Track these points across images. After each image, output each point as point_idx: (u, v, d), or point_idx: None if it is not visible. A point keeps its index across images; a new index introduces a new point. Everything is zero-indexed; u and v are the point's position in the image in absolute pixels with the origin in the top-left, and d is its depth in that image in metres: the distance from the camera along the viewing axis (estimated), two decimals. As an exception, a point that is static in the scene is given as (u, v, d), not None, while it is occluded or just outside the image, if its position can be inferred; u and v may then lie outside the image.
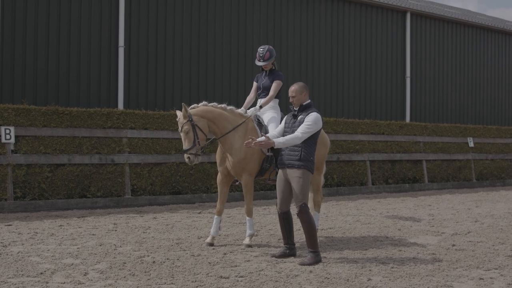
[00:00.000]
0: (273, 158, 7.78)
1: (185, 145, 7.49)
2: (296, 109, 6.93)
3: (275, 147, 6.83)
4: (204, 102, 7.87)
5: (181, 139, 12.93)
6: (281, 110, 8.38)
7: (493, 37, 23.84)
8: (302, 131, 6.66)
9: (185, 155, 7.49)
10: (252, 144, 6.70)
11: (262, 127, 7.95)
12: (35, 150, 11.26)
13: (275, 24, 17.44)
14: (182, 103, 7.61)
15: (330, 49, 18.76)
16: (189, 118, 7.48)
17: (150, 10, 15.07)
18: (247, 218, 7.82)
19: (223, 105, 7.89)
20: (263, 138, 6.77)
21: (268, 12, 17.27)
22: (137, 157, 12.34)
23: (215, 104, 7.88)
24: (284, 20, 17.63)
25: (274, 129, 7.77)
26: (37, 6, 13.48)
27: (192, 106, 7.78)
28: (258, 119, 8.05)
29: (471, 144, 18.93)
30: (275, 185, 13.99)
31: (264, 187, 14.08)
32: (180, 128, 7.55)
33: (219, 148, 7.93)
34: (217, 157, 7.99)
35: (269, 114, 8.11)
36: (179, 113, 7.59)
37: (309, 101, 6.96)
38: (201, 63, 15.89)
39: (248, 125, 7.88)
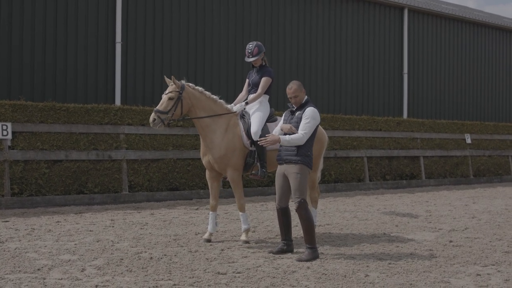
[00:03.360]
0: (255, 153, 7.79)
1: (160, 107, 7.48)
2: (295, 108, 6.93)
3: (280, 144, 6.81)
4: (201, 89, 7.87)
5: (178, 135, 13.05)
6: (271, 106, 8.37)
7: (491, 33, 23.85)
8: (303, 131, 6.67)
9: (153, 114, 7.42)
10: (262, 142, 6.76)
11: (245, 123, 7.92)
12: (32, 146, 11.23)
13: (273, 21, 17.42)
14: (184, 77, 7.63)
15: (327, 45, 18.74)
16: (181, 90, 7.54)
17: (147, 5, 15.04)
18: (240, 213, 7.85)
19: (214, 97, 7.95)
20: (270, 136, 6.81)
21: (265, 9, 17.24)
22: (135, 153, 12.33)
23: (209, 94, 7.92)
24: (281, 16, 17.60)
25: (257, 124, 7.77)
26: (34, 2, 13.44)
27: (190, 84, 7.82)
28: (243, 115, 8.02)
29: (469, 141, 18.96)
30: (271, 181, 14.04)
31: (261, 183, 14.08)
32: (166, 91, 7.58)
33: (201, 143, 7.93)
34: (201, 151, 8.01)
35: (255, 108, 8.06)
36: (175, 81, 7.61)
37: (306, 98, 6.96)
38: (198, 59, 15.86)
39: (230, 120, 7.87)
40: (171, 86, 7.59)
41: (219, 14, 16.28)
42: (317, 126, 6.89)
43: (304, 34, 18.14)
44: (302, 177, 6.71)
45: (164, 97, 7.55)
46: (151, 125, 7.46)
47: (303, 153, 6.72)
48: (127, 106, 12.78)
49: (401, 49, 20.65)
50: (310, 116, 6.72)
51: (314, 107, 6.84)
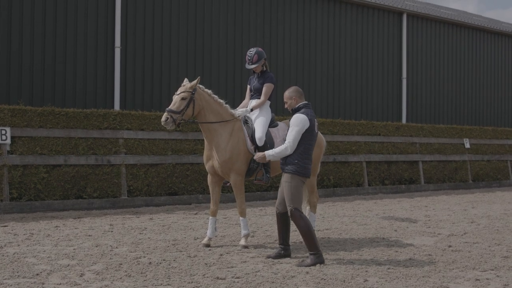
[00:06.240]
0: None
1: (173, 106, 7.52)
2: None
3: (266, 160, 6.91)
4: (210, 91, 7.95)
5: (177, 139, 13.05)
6: (272, 111, 8.41)
7: (489, 38, 23.90)
8: (288, 140, 6.71)
9: (166, 114, 7.46)
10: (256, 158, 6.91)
11: (249, 128, 7.96)
12: (31, 151, 11.23)
13: (272, 26, 17.45)
14: (199, 77, 7.75)
15: (326, 50, 18.77)
16: (193, 91, 7.60)
17: (146, 10, 15.06)
18: (241, 218, 7.86)
19: (221, 101, 8.01)
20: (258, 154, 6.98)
21: (264, 13, 17.28)
22: (134, 158, 12.32)
23: (216, 97, 7.99)
24: (280, 21, 17.63)
25: (260, 129, 7.82)
26: (33, 7, 13.46)
27: (201, 86, 7.88)
28: (246, 120, 8.06)
29: (467, 145, 18.97)
30: (270, 186, 14.03)
31: (260, 188, 14.08)
32: (178, 91, 7.62)
33: (205, 147, 7.95)
34: (204, 156, 8.03)
35: (257, 114, 8.11)
36: (187, 81, 7.72)
37: (299, 104, 6.88)
38: (197, 64, 15.88)
39: (235, 125, 7.91)
40: (183, 87, 7.65)
41: (219, 19, 16.31)
42: (310, 133, 6.75)
43: (303, 39, 18.16)
44: (291, 186, 6.69)
45: (176, 97, 7.58)
46: (163, 124, 7.50)
47: (290, 162, 6.73)
48: (126, 111, 12.78)
49: (400, 53, 20.68)
50: (293, 124, 6.71)
51: (302, 113, 6.72)
